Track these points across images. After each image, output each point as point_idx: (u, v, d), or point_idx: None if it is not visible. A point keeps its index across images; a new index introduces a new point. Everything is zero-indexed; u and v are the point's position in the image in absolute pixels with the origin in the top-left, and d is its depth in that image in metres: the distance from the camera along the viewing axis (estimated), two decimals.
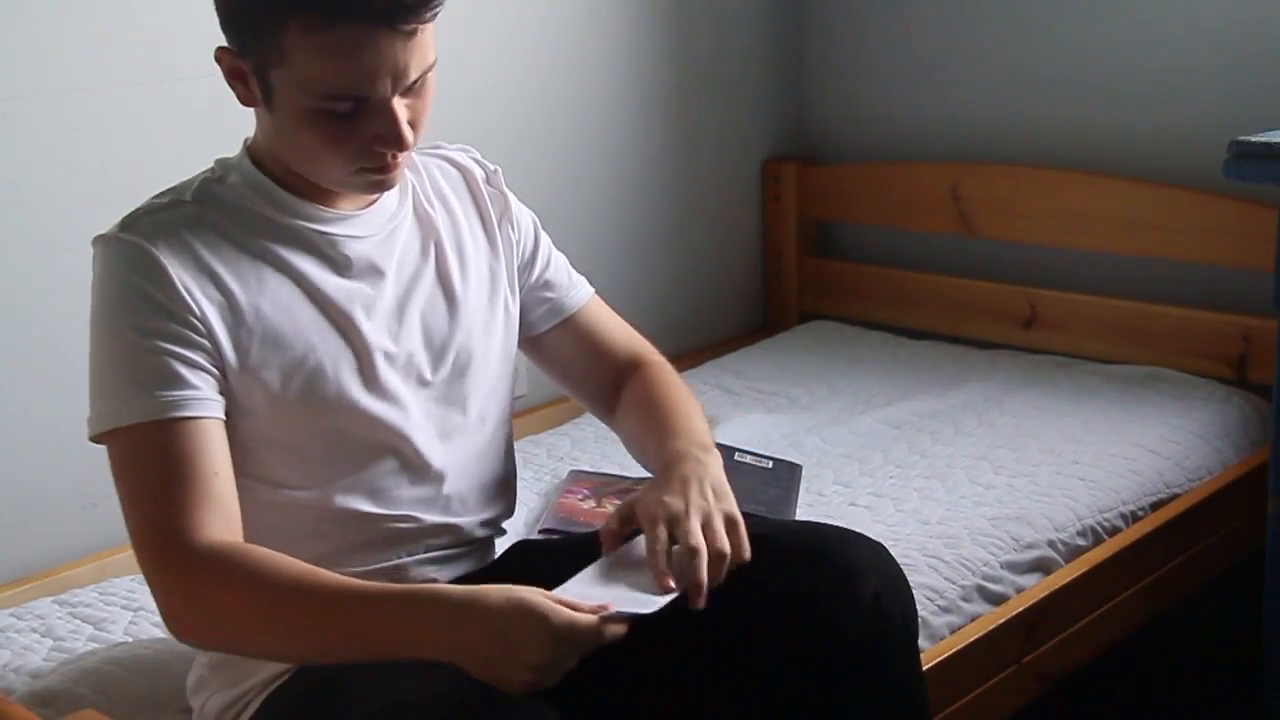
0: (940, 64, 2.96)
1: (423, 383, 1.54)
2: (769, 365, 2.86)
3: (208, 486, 1.38)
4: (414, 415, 1.53)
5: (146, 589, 1.98)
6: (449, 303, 1.57)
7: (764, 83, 3.11)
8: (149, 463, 1.38)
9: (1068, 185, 2.76)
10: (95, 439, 1.42)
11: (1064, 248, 2.82)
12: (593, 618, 1.32)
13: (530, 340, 1.71)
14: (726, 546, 1.42)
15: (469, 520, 1.60)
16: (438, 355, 1.56)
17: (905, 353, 2.88)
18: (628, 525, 1.49)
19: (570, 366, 1.72)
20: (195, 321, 1.40)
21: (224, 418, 1.42)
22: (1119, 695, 2.47)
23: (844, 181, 3.08)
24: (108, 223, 1.41)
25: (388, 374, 1.51)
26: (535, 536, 2.05)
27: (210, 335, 1.41)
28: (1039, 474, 2.28)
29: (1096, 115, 2.77)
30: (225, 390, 1.43)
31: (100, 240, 1.45)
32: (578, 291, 1.73)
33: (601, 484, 2.27)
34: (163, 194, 1.49)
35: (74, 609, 1.96)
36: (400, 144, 1.40)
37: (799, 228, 3.12)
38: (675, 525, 1.42)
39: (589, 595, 1.38)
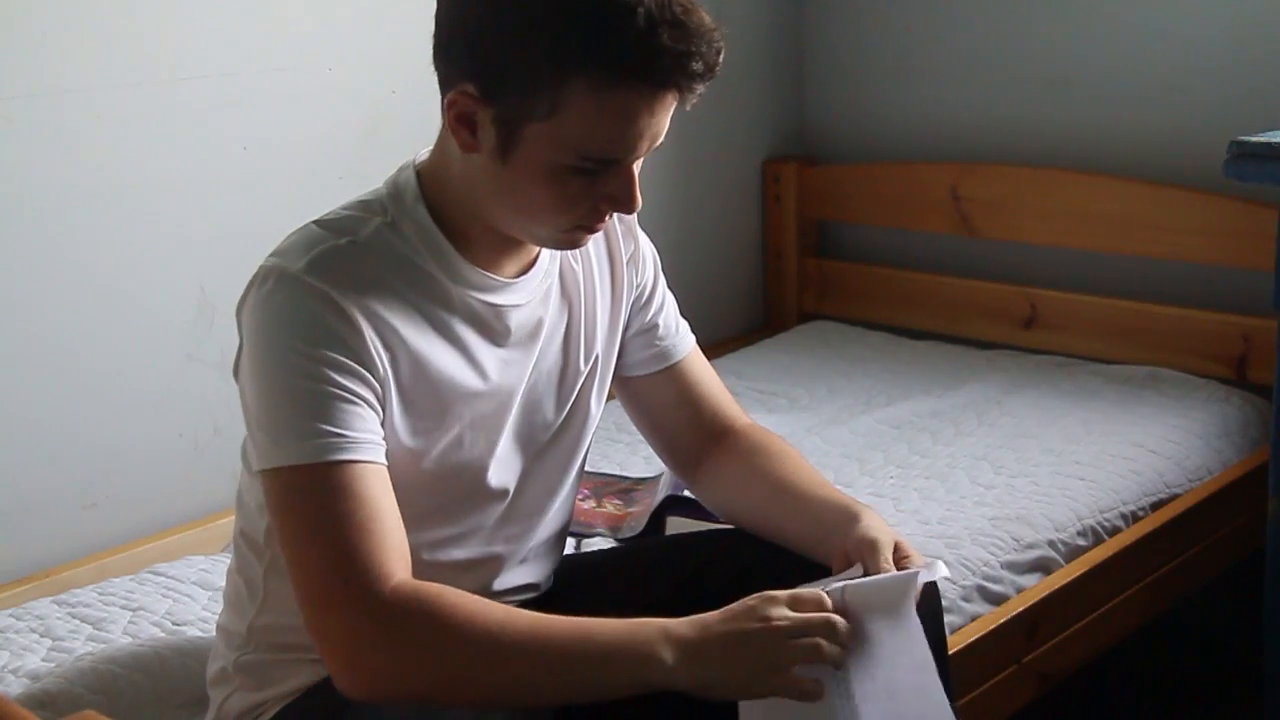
0: (940, 64, 2.96)
1: (535, 443, 1.53)
2: (769, 365, 2.85)
3: (394, 531, 1.32)
4: (520, 474, 1.52)
5: (145, 589, 1.99)
6: (575, 365, 1.53)
7: (764, 83, 3.11)
8: (335, 502, 1.30)
9: (1068, 185, 2.76)
10: (265, 472, 1.34)
11: (1064, 248, 2.82)
12: (816, 589, 1.32)
13: (625, 380, 1.64)
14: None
15: (546, 564, 1.61)
16: (550, 422, 1.53)
17: (905, 353, 2.88)
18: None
19: (662, 415, 1.65)
20: (377, 370, 1.35)
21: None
22: (1119, 695, 2.47)
23: (844, 181, 3.08)
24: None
25: (510, 443, 1.50)
26: None
27: (384, 387, 1.36)
28: (1039, 474, 2.27)
29: (1096, 115, 2.77)
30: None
31: (280, 275, 1.34)
32: (683, 340, 1.65)
33: (601, 484, 2.27)
34: (336, 226, 1.39)
35: (73, 609, 1.95)
36: (631, 207, 1.36)
37: (799, 228, 3.12)
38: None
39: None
